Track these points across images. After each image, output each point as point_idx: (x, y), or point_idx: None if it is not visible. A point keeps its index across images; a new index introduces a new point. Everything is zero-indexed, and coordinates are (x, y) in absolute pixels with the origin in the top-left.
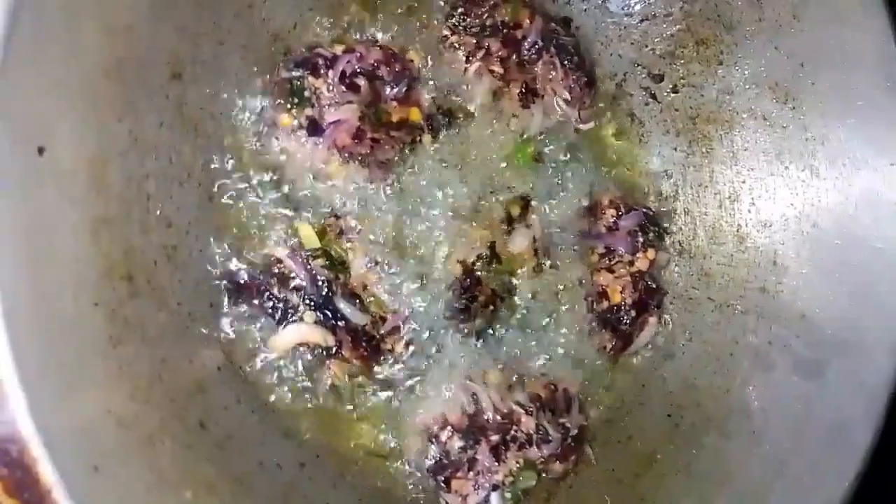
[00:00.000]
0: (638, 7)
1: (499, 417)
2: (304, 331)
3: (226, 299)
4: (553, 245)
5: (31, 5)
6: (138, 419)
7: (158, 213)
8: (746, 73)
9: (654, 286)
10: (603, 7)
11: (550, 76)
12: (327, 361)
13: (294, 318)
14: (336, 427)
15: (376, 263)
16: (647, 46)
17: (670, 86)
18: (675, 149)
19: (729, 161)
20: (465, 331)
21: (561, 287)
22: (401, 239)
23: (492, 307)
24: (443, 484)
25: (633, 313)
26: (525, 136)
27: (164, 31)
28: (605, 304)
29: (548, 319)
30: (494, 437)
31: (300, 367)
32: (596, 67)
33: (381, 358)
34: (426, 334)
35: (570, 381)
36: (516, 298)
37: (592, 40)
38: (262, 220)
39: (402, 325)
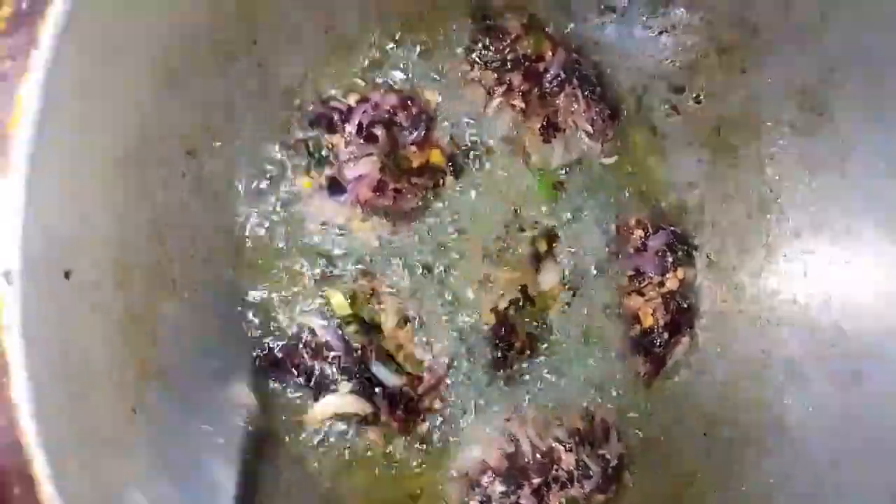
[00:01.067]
0: (657, 20)
1: (539, 456)
2: (341, 402)
3: (261, 376)
4: (582, 273)
5: (46, 115)
6: None
7: (185, 296)
8: (772, 79)
9: (685, 306)
10: (621, 21)
11: (573, 109)
12: (366, 428)
13: (330, 388)
14: (375, 483)
15: (407, 321)
16: (666, 59)
17: (692, 96)
18: (700, 160)
19: (755, 170)
20: (503, 379)
21: (593, 315)
22: (430, 291)
23: (528, 351)
24: None
25: (665, 335)
26: (544, 170)
27: (174, 110)
28: (638, 328)
29: (581, 350)
30: (536, 480)
31: (334, 438)
32: (616, 83)
33: (421, 418)
34: (463, 388)
35: (605, 410)
36: (550, 339)
37: (611, 55)
38: (291, 288)
39: (434, 383)
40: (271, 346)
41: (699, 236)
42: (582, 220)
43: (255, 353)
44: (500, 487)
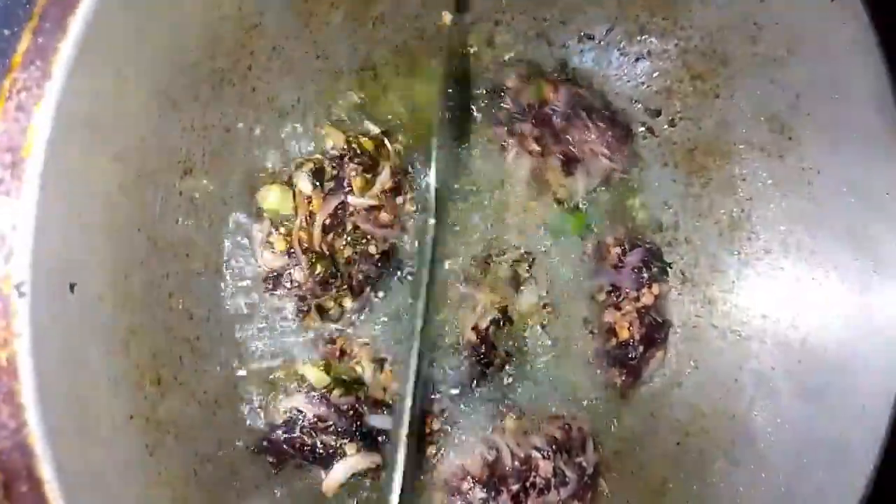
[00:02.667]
0: (634, 47)
1: (517, 464)
2: (351, 463)
3: (270, 471)
4: (559, 291)
5: (56, 145)
6: None
7: (180, 307)
8: (743, 105)
9: (660, 321)
10: (600, 48)
11: (587, 138)
12: (382, 474)
13: (338, 455)
14: None
15: (384, 363)
16: (643, 83)
17: (667, 120)
18: (674, 180)
19: (728, 191)
20: (484, 392)
21: (569, 330)
22: (399, 328)
23: (506, 366)
24: None
25: (640, 348)
26: (566, 203)
27: (173, 132)
28: (614, 341)
29: (558, 363)
30: (514, 486)
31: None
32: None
33: (426, 444)
34: (450, 406)
35: (582, 419)
36: (528, 353)
37: (590, 79)
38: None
39: (427, 408)
40: (267, 435)
41: (673, 253)
42: (559, 240)
43: (253, 446)
44: (480, 494)
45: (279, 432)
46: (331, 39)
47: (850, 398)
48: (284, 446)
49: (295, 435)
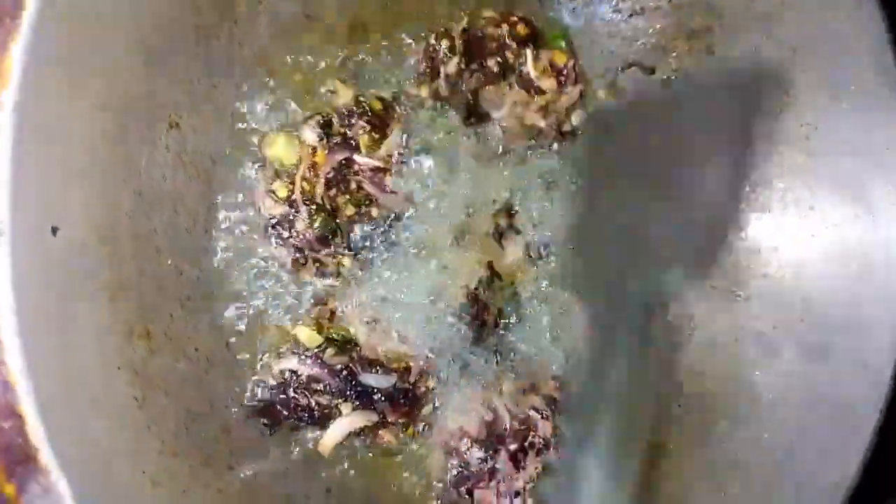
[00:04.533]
0: (627, 3)
1: (516, 424)
2: (347, 422)
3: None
4: (547, 243)
5: (33, 79)
6: (171, 475)
7: (169, 263)
8: (740, 62)
9: None
10: (591, 5)
11: None
12: (378, 433)
13: (333, 415)
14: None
15: (376, 321)
16: (637, 41)
17: (662, 78)
18: None
19: None
20: (480, 353)
21: (563, 278)
22: (395, 286)
23: (500, 323)
24: (466, 496)
25: None
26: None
27: (159, 84)
28: None
29: (552, 321)
30: (513, 445)
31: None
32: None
33: (421, 403)
34: (446, 367)
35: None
36: (523, 308)
37: (582, 38)
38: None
39: (424, 368)
40: (260, 396)
41: None
42: (552, 195)
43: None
44: (478, 453)
45: (273, 393)
46: None
47: (853, 356)
48: (279, 407)
49: (289, 396)
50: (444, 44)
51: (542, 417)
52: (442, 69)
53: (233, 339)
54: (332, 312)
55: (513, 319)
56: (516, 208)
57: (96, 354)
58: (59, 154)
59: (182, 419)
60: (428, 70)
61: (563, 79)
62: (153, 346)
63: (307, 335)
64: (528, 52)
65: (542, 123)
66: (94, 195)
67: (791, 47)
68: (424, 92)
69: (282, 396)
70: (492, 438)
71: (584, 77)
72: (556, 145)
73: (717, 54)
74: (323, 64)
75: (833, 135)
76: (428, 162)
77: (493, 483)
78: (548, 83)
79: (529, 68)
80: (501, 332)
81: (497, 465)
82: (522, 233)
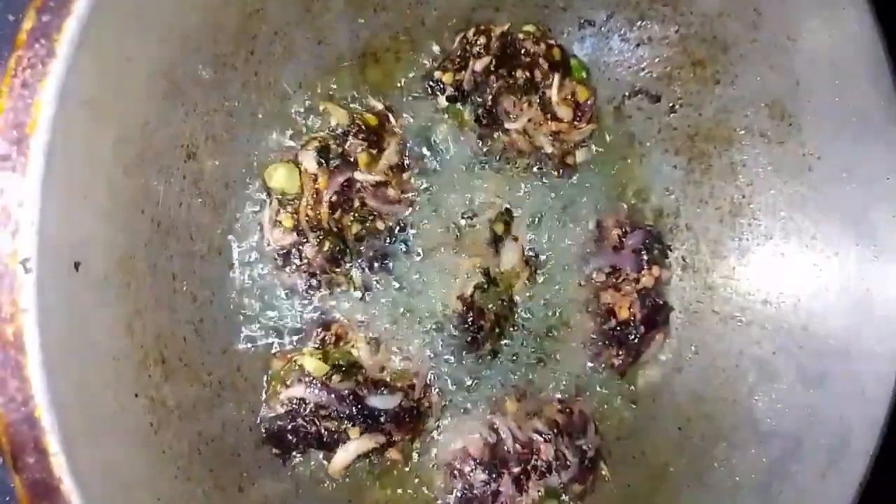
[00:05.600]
0: (635, 33)
1: (518, 447)
2: (355, 446)
3: (279, 462)
4: (544, 247)
5: (61, 121)
6: (185, 500)
7: (184, 289)
8: (743, 91)
9: (660, 302)
10: (600, 34)
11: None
12: (385, 453)
13: (341, 440)
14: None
15: (378, 343)
16: (644, 69)
17: (668, 106)
18: (675, 167)
19: (728, 177)
20: (478, 359)
21: (560, 300)
22: (395, 304)
23: (497, 329)
24: None
25: (641, 329)
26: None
27: (177, 116)
28: (613, 321)
29: (553, 336)
30: (516, 469)
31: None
32: (597, 89)
33: (426, 418)
34: (447, 378)
35: (584, 403)
36: (519, 313)
37: (591, 67)
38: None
39: (427, 382)
40: (269, 425)
41: (675, 239)
42: (560, 216)
43: (257, 438)
44: (481, 476)
45: (282, 422)
46: (332, 25)
47: (851, 384)
48: (289, 435)
49: (298, 423)
50: (482, 40)
51: (545, 440)
52: (472, 63)
53: (244, 364)
54: (338, 337)
55: (510, 327)
56: (515, 214)
57: (114, 383)
58: (82, 190)
59: (195, 443)
60: (458, 59)
61: (580, 113)
62: (168, 371)
63: (313, 364)
64: (557, 76)
65: (549, 148)
66: (113, 227)
67: (794, 79)
68: (448, 79)
69: (291, 424)
70: (495, 461)
71: (598, 117)
72: (555, 172)
73: (722, 83)
74: (334, 86)
75: (835, 164)
76: (431, 164)
77: None
78: (565, 112)
79: (553, 93)
80: (499, 344)
81: (500, 488)
82: (519, 240)
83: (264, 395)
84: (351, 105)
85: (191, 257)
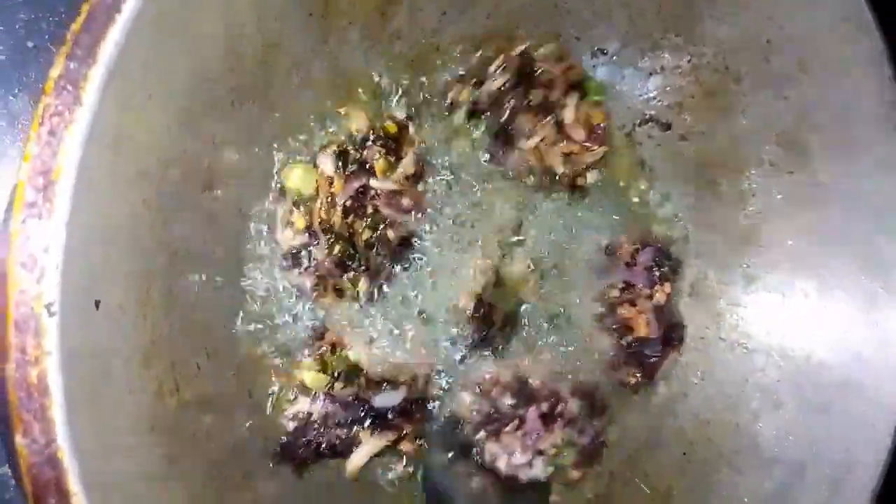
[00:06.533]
0: (647, 62)
1: (545, 393)
2: (368, 448)
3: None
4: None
5: (86, 165)
6: None
7: (198, 317)
8: (754, 121)
9: (675, 322)
10: (612, 63)
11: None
12: (399, 448)
13: (354, 444)
14: None
15: (381, 341)
16: (655, 98)
17: (679, 134)
18: (685, 194)
19: (737, 205)
20: (487, 354)
21: (570, 311)
22: (400, 308)
23: (508, 328)
24: (492, 434)
25: (658, 348)
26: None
27: (195, 148)
28: (631, 337)
29: (561, 346)
30: (544, 405)
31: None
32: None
33: (432, 405)
34: (451, 372)
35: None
36: (524, 319)
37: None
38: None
39: (431, 373)
40: (281, 445)
41: (683, 265)
42: (567, 233)
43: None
44: (509, 400)
45: (292, 438)
46: (348, 55)
47: (856, 415)
48: (301, 451)
49: (309, 437)
50: (501, 58)
51: (572, 396)
52: (489, 81)
53: (254, 386)
54: (333, 345)
55: (521, 323)
56: (525, 225)
57: (131, 417)
58: (103, 229)
59: (207, 470)
60: (477, 76)
61: (593, 136)
62: (181, 400)
63: (312, 378)
64: (573, 98)
65: (560, 169)
66: (132, 263)
67: (805, 108)
68: (465, 95)
69: (302, 439)
70: (523, 394)
71: (611, 141)
72: (565, 193)
73: (733, 113)
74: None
75: (844, 195)
76: (444, 178)
77: (519, 433)
78: (578, 134)
79: (569, 114)
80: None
81: (527, 419)
82: (527, 246)
83: (269, 411)
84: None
85: (205, 286)
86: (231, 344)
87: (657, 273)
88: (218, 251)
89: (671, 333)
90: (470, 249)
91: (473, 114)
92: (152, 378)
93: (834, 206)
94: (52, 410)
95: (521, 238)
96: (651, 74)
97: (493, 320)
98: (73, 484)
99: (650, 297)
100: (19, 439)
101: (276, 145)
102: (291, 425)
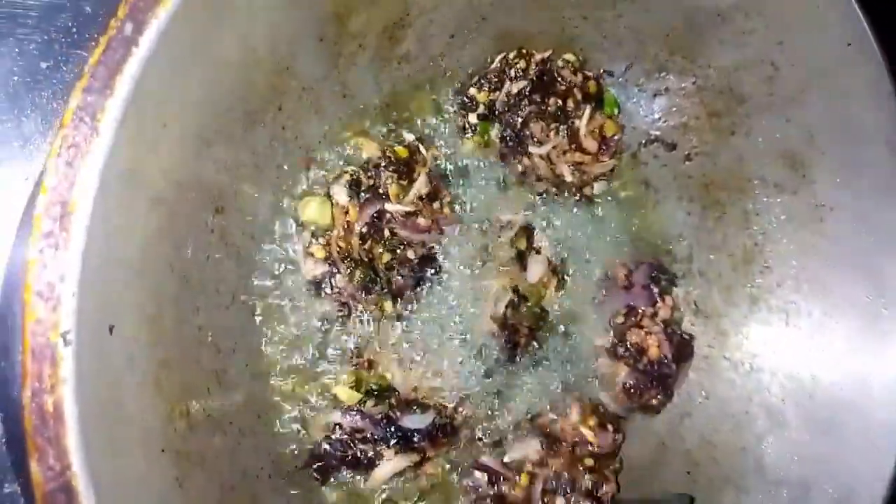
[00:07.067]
0: (652, 84)
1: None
2: (391, 466)
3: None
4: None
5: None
6: None
7: (209, 340)
8: (758, 142)
9: (685, 336)
10: (618, 84)
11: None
12: (419, 471)
13: (377, 461)
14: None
15: (412, 362)
16: (660, 119)
17: (683, 154)
18: (689, 213)
19: (741, 225)
20: (514, 370)
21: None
22: (427, 327)
23: (534, 342)
24: None
25: (674, 367)
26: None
27: (207, 174)
28: (645, 359)
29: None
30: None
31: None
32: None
33: (459, 432)
34: (482, 394)
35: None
36: (552, 325)
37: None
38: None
39: (460, 397)
40: (310, 451)
41: (687, 285)
42: (572, 263)
43: (295, 465)
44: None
45: (320, 447)
46: (357, 78)
47: (861, 435)
48: (327, 460)
49: (335, 448)
50: (521, 64)
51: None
52: (508, 84)
53: (264, 410)
54: (370, 362)
55: (544, 335)
56: (534, 226)
57: (142, 440)
58: (118, 256)
59: (217, 494)
60: (495, 80)
61: (605, 147)
62: (192, 423)
63: (346, 394)
64: (588, 109)
65: (569, 177)
66: (144, 288)
67: (809, 131)
68: (482, 98)
69: (327, 448)
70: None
71: (620, 154)
72: (572, 201)
73: (737, 134)
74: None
75: (848, 215)
76: (456, 189)
77: None
78: (591, 144)
79: (583, 124)
80: (536, 351)
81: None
82: (542, 251)
83: (298, 426)
84: (381, 137)
85: (216, 309)
86: (242, 368)
87: (655, 290)
88: (229, 275)
89: (683, 348)
90: (486, 268)
91: (487, 117)
92: (163, 401)
93: (837, 227)
94: (67, 438)
95: (531, 244)
96: (656, 95)
97: (517, 341)
98: None
99: (654, 315)
100: (34, 466)
101: (286, 166)
102: (320, 435)
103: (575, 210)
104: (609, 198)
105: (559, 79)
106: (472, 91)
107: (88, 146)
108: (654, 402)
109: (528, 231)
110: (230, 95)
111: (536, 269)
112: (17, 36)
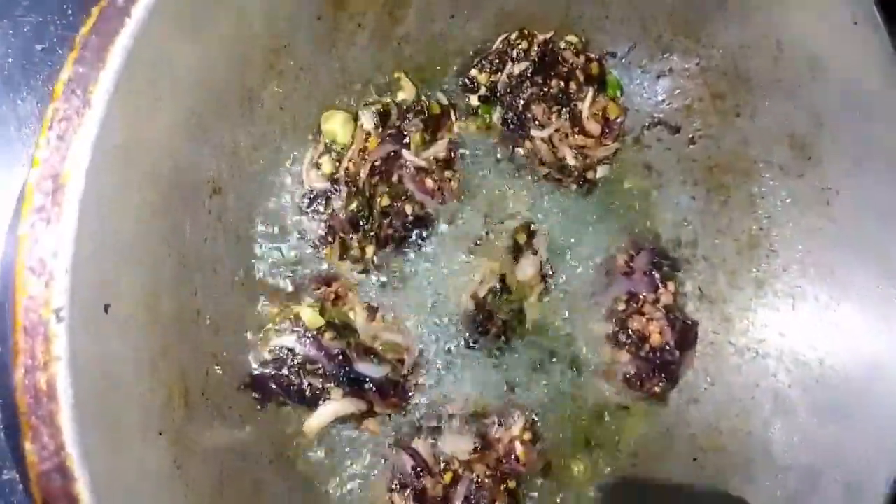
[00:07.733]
0: (656, 65)
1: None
2: (335, 408)
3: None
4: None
5: (96, 169)
6: None
7: (207, 323)
8: (763, 124)
9: (688, 322)
10: (621, 66)
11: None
12: (363, 423)
13: (322, 398)
14: None
15: (376, 310)
16: (664, 101)
17: (687, 137)
18: (693, 198)
19: (747, 209)
20: (475, 357)
21: (571, 315)
22: (405, 280)
23: (503, 337)
24: None
25: (677, 353)
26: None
27: (203, 153)
28: (647, 347)
29: (563, 351)
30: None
31: (342, 443)
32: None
33: (409, 395)
34: (441, 363)
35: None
36: (527, 326)
37: None
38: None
39: (419, 360)
40: (254, 370)
41: (692, 270)
42: (573, 248)
43: (239, 382)
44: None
45: (267, 368)
46: (356, 58)
47: (869, 420)
48: (271, 383)
49: (282, 373)
50: (523, 45)
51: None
52: (510, 66)
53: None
54: (338, 296)
55: (517, 337)
56: (535, 227)
57: (139, 423)
58: (112, 233)
59: (216, 479)
60: (496, 61)
61: (608, 130)
62: (190, 406)
63: (310, 316)
64: (591, 91)
65: (572, 161)
66: (141, 268)
67: (815, 112)
68: (483, 79)
69: (275, 372)
70: None
71: (623, 137)
72: (573, 186)
73: (742, 116)
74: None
75: (854, 198)
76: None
77: None
78: (594, 127)
79: (585, 107)
80: (502, 347)
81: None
82: (539, 254)
83: (249, 336)
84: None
85: (214, 291)
86: (242, 351)
87: (657, 275)
88: (227, 256)
89: (686, 334)
90: (477, 249)
91: (488, 99)
92: (161, 385)
93: (844, 210)
94: (60, 416)
95: (530, 241)
96: (660, 77)
97: (488, 329)
98: (82, 490)
99: (656, 301)
100: (28, 445)
101: (283, 147)
102: (270, 356)
103: (576, 194)
104: (611, 181)
105: (561, 60)
106: (474, 72)
107: (80, 119)
108: (657, 389)
109: (530, 228)
110: (227, 72)
111: (527, 269)
112: (12, 18)
